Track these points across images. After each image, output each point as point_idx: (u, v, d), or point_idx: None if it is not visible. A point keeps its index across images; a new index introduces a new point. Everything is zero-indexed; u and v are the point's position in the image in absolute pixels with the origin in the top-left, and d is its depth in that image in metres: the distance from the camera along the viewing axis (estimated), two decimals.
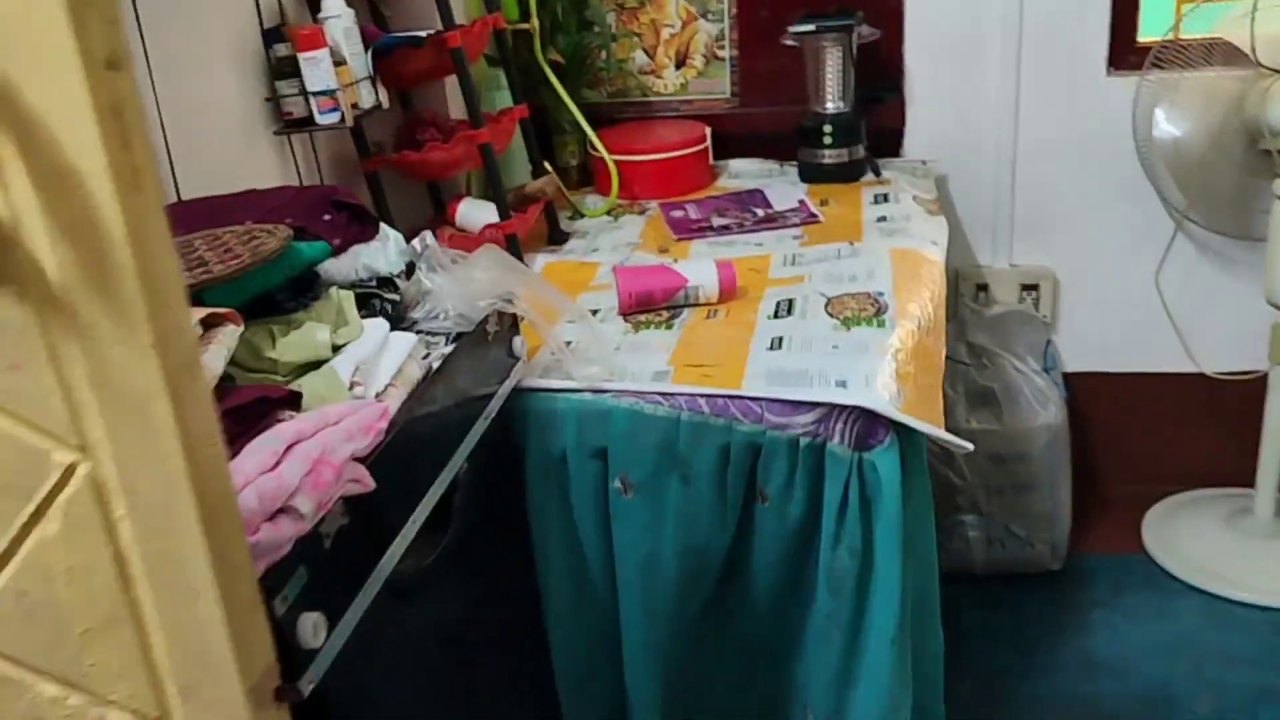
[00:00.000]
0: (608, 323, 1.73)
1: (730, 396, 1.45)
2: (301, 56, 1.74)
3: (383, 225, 1.48)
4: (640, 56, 2.66)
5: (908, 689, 1.50)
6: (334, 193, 1.42)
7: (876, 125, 2.53)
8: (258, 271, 1.11)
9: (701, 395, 1.46)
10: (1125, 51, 2.46)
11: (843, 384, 1.45)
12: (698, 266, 1.79)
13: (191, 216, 1.31)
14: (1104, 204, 2.55)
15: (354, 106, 1.82)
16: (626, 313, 1.76)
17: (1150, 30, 2.47)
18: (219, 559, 0.67)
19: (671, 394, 1.46)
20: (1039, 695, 2.15)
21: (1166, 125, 2.33)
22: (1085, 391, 2.68)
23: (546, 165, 2.33)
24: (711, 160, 2.55)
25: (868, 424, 1.42)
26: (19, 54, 0.56)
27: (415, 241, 1.52)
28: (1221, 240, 2.50)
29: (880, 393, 1.43)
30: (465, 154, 1.98)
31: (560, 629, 1.57)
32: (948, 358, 2.34)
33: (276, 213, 1.33)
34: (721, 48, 2.63)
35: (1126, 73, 2.42)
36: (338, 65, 1.79)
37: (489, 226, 2.02)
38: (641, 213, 2.36)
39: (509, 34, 2.19)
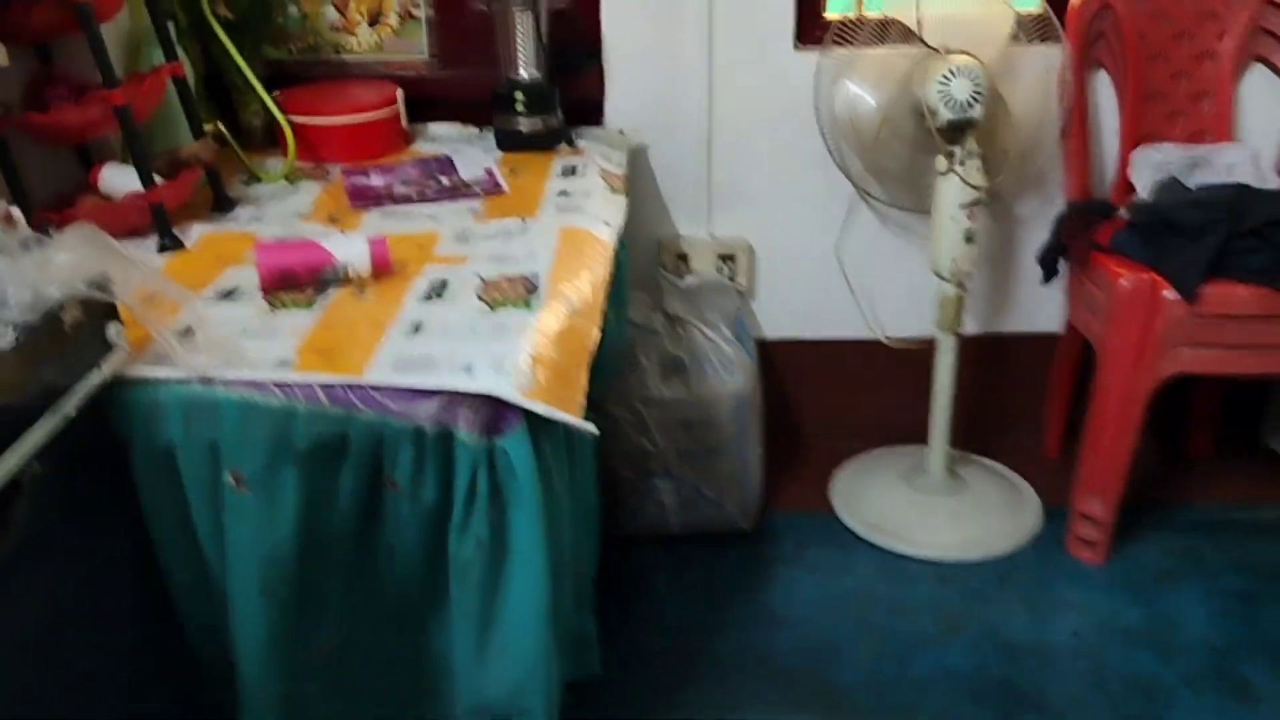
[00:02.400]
0: (245, 302, 1.64)
1: (349, 386, 1.39)
2: None
3: None
4: (330, 13, 2.53)
5: (549, 667, 1.51)
6: None
7: (577, 94, 2.51)
8: None
9: (319, 385, 1.39)
10: (811, 26, 2.53)
11: (468, 369, 1.42)
12: (347, 242, 1.71)
13: None
14: (794, 175, 2.62)
15: None
16: (268, 290, 1.66)
17: (837, 5, 2.54)
18: None
19: (286, 384, 1.39)
20: (721, 649, 2.23)
21: (846, 100, 2.41)
22: (780, 357, 2.78)
23: (218, 126, 2.19)
24: (406, 124, 2.46)
25: (496, 410, 1.39)
26: None
27: None
28: (900, 213, 2.62)
29: (508, 377, 1.41)
30: (102, 116, 1.82)
31: (191, 617, 1.50)
32: (640, 326, 2.37)
33: None
34: (416, 6, 2.53)
35: (812, 47, 2.49)
36: None
37: (131, 195, 1.87)
38: (320, 179, 2.25)
39: None
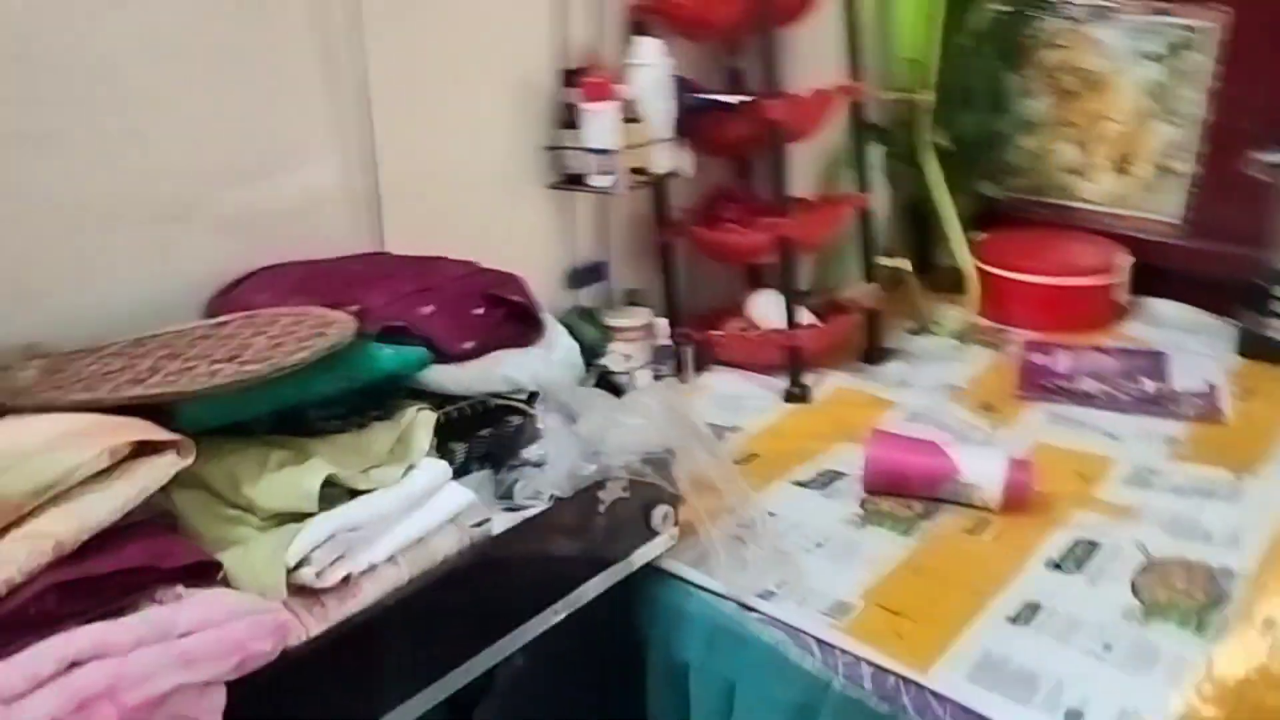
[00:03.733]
0: (837, 496, 1.35)
1: (905, 679, 1.03)
2: (583, 108, 1.53)
3: (557, 330, 1.22)
4: (1069, 151, 2.15)
5: None
6: (500, 283, 1.19)
7: None
8: (291, 376, 0.91)
9: (869, 662, 1.05)
10: None
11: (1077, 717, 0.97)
12: (982, 456, 1.34)
13: (281, 281, 1.15)
14: None
15: (639, 171, 1.58)
16: (870, 490, 1.36)
17: None
18: None
19: (830, 645, 1.07)
20: None
21: None
22: None
23: (899, 264, 1.93)
24: (1125, 297, 2.00)
25: None
26: None
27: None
28: None
29: None
30: (766, 242, 1.67)
31: None
32: None
33: (415, 296, 1.13)
34: (1179, 160, 2.04)
35: None
36: (630, 122, 1.56)
37: (773, 331, 1.70)
38: (997, 346, 1.88)
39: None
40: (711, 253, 1.76)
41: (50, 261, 1.07)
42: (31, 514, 0.74)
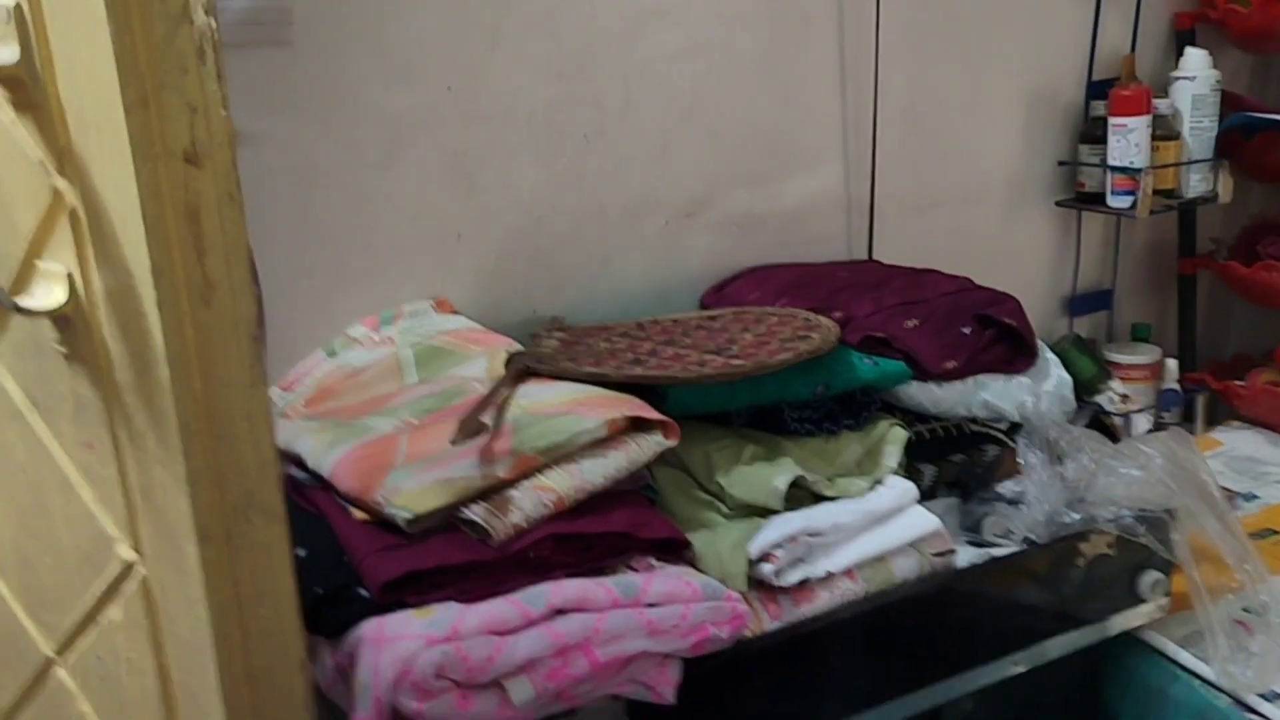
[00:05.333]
0: None
1: None
2: (1111, 122, 1.40)
3: (1050, 360, 1.14)
4: None
5: None
6: (992, 303, 1.12)
7: None
8: (773, 375, 0.93)
9: None
10: None
11: None
12: None
13: (770, 281, 1.16)
14: None
15: (1166, 193, 1.43)
16: None
17: None
18: None
19: None
20: None
21: None
22: None
23: None
24: None
25: None
26: (92, 135, 0.50)
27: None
28: None
29: None
30: None
31: None
32: None
33: (901, 309, 1.11)
34: None
35: None
36: (1161, 139, 1.41)
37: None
38: None
39: None
40: (1246, 291, 1.55)
41: (583, 248, 1.19)
42: (540, 470, 0.81)
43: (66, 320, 0.54)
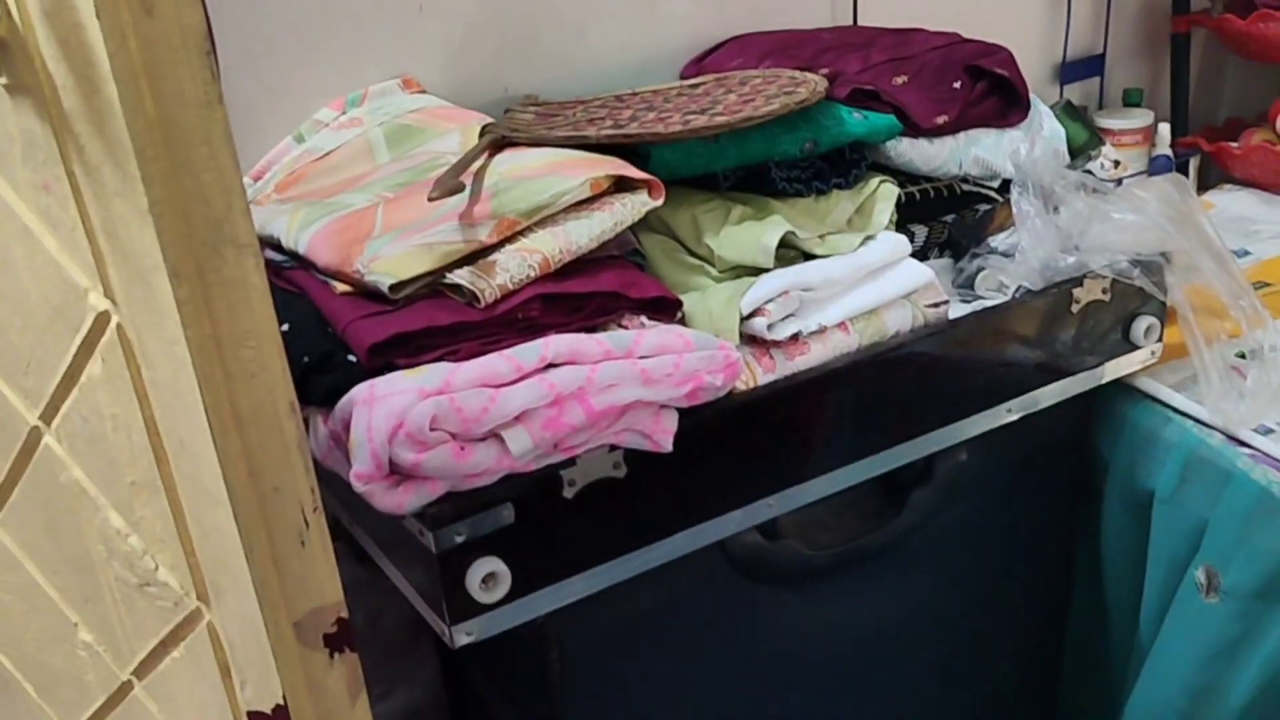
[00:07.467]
0: None
1: None
2: None
3: (1042, 112, 1.10)
4: None
5: None
6: (983, 54, 1.08)
7: None
8: (760, 131, 0.89)
9: None
10: None
11: None
12: None
13: (752, 48, 1.11)
14: None
15: None
16: None
17: None
18: (245, 477, 0.56)
19: None
20: None
21: None
22: None
23: None
24: None
25: None
26: None
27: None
28: None
29: None
30: None
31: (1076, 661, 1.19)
32: None
33: (890, 65, 1.06)
34: None
35: None
36: None
37: None
38: None
39: None
40: (1242, 47, 1.50)
41: (552, 19, 1.13)
42: (524, 232, 0.79)
43: (4, 46, 0.50)
